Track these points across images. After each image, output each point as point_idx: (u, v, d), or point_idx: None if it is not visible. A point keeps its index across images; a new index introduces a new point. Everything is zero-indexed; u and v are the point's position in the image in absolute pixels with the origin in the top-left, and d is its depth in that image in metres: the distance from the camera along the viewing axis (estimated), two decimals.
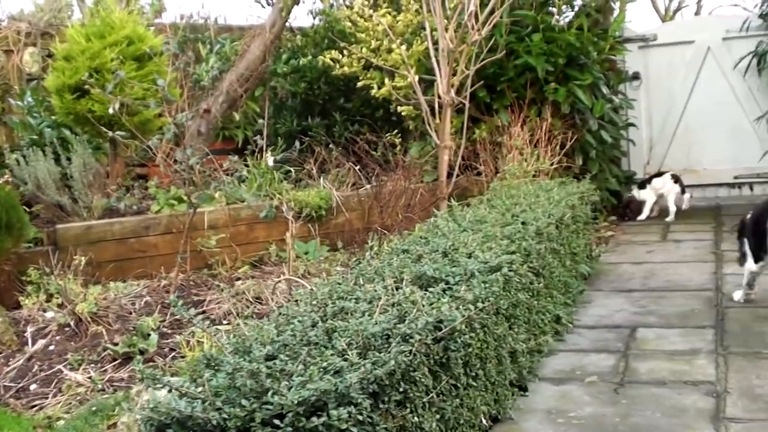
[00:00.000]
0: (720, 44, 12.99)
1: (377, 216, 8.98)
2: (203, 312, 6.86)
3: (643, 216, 11.77)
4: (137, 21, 9.88)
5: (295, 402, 2.94)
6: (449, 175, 9.25)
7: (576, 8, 11.54)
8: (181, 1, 21.50)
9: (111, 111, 8.37)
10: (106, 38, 9.17)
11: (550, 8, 10.75)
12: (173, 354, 6.01)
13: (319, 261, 8.45)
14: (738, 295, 7.21)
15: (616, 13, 12.30)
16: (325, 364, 3.25)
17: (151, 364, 5.76)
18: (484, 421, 4.55)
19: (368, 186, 9.75)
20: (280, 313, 4.12)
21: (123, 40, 9.20)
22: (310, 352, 3.42)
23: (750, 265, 6.94)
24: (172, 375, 5.16)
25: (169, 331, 6.44)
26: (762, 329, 6.39)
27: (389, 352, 3.37)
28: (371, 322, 3.65)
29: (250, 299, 7.02)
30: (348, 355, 3.34)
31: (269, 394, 3.02)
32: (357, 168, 10.18)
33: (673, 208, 11.61)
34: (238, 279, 7.85)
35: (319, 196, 9.16)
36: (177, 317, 6.55)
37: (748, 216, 7.07)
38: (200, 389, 3.12)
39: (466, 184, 9.98)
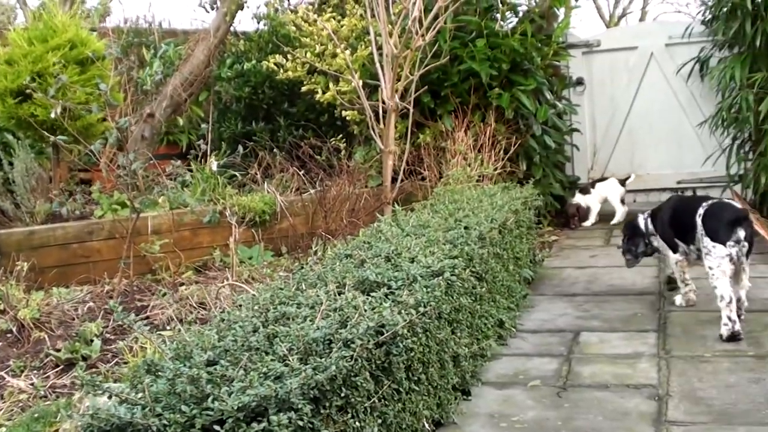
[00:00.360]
0: (663, 50, 13.10)
1: (321, 221, 8.97)
2: (147, 317, 6.81)
3: (588, 222, 11.83)
4: (80, 25, 9.82)
5: (235, 408, 2.94)
6: (394, 180, 9.25)
7: (520, 14, 11.59)
8: (126, 5, 21.40)
9: (53, 115, 8.32)
10: (49, 42, 9.13)
11: (494, 14, 10.78)
12: (116, 360, 5.96)
13: (263, 266, 8.43)
14: (679, 299, 7.30)
15: (560, 19, 12.36)
16: (265, 369, 3.24)
17: (94, 370, 5.69)
18: (426, 426, 4.55)
19: (312, 191, 9.74)
20: (221, 319, 4.11)
21: (66, 44, 9.15)
22: (251, 357, 3.41)
23: (673, 256, 7.24)
24: (115, 381, 5.12)
25: (113, 337, 6.39)
26: (704, 333, 6.45)
27: (330, 358, 3.37)
28: (313, 327, 3.65)
29: (194, 304, 6.98)
30: (289, 360, 3.33)
31: (209, 399, 3.01)
32: (301, 173, 10.17)
33: (620, 209, 11.69)
34: (182, 284, 7.81)
35: (263, 201, 9.14)
36: (120, 323, 6.50)
37: (641, 218, 7.60)
38: (140, 395, 3.10)
39: (410, 189, 10.00)
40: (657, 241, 7.52)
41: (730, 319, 6.28)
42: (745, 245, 6.43)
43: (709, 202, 6.74)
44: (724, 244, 6.37)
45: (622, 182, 11.85)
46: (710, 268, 6.44)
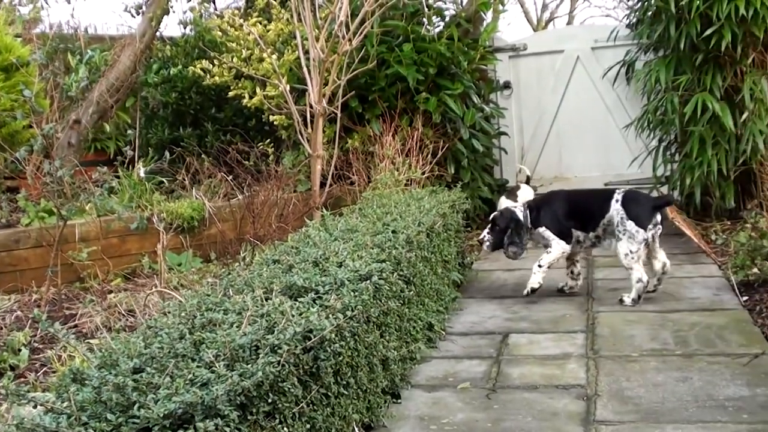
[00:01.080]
0: (589, 53, 13.18)
1: (250, 226, 8.95)
2: (75, 326, 6.76)
3: None
4: (4, 31, 9.72)
5: (161, 415, 2.93)
6: (322, 185, 9.26)
7: (447, 18, 11.64)
8: (51, 10, 21.17)
9: None
10: None
11: (421, 19, 10.81)
12: (45, 369, 5.90)
13: (192, 273, 8.40)
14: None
15: (486, 23, 12.43)
16: (191, 376, 3.23)
17: (22, 379, 5.65)
18: (356, 430, 4.55)
19: (241, 196, 9.71)
20: (148, 326, 4.09)
21: None
22: (177, 364, 3.40)
23: (565, 245, 7.74)
24: (44, 390, 5.08)
25: (41, 346, 6.32)
26: (631, 333, 6.52)
27: (257, 364, 3.36)
28: (239, 334, 3.64)
29: (123, 312, 6.93)
30: (215, 366, 3.32)
31: (135, 407, 3.00)
32: (229, 178, 10.13)
33: None
34: (111, 292, 7.76)
35: (191, 207, 9.10)
36: (49, 332, 6.44)
37: (519, 211, 7.88)
38: (66, 404, 3.08)
39: (339, 194, 10.01)
40: (530, 234, 7.89)
41: (639, 296, 7.29)
42: (660, 227, 7.22)
43: (622, 189, 7.49)
44: (645, 228, 7.08)
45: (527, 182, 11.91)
46: (630, 251, 7.18)
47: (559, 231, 7.68)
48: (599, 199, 7.53)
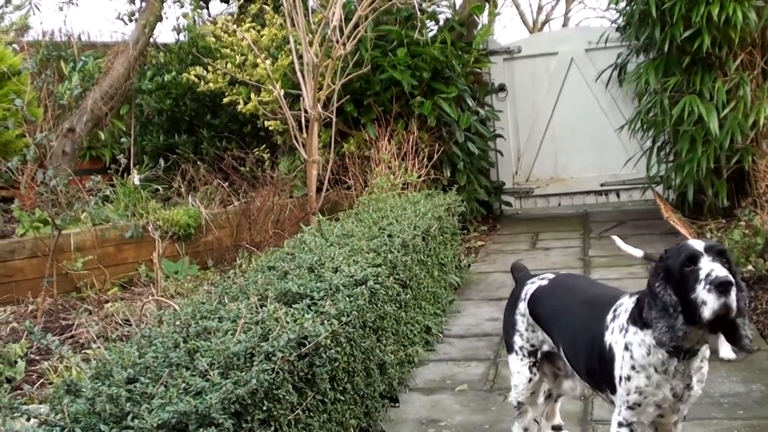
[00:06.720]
0: (583, 55, 13.20)
1: (246, 233, 8.94)
2: (72, 336, 6.73)
3: None
4: None
5: (155, 425, 2.91)
6: (319, 190, 9.24)
7: (440, 23, 11.67)
8: (44, 17, 21.16)
9: None
10: None
11: (415, 23, 10.80)
12: (42, 381, 5.88)
13: (189, 280, 8.37)
14: None
15: (479, 26, 12.45)
16: (185, 385, 3.22)
17: (19, 392, 5.62)
18: None
19: (237, 203, 9.70)
20: (142, 335, 4.07)
21: None
22: (171, 373, 3.38)
23: None
24: (40, 402, 5.06)
25: (38, 358, 6.29)
26: None
27: (251, 371, 3.35)
28: (233, 341, 3.63)
29: (120, 321, 6.90)
30: (210, 375, 3.31)
31: (129, 417, 2.98)
32: (225, 185, 10.11)
33: None
34: (107, 301, 7.73)
35: (187, 214, 9.07)
36: (46, 343, 6.42)
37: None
38: (59, 416, 3.06)
39: (336, 199, 10.00)
40: None
41: None
42: None
43: None
44: None
45: None
46: None
47: None
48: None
